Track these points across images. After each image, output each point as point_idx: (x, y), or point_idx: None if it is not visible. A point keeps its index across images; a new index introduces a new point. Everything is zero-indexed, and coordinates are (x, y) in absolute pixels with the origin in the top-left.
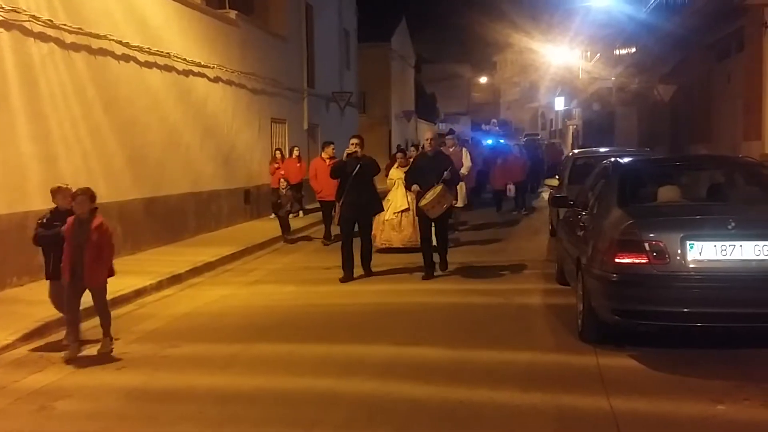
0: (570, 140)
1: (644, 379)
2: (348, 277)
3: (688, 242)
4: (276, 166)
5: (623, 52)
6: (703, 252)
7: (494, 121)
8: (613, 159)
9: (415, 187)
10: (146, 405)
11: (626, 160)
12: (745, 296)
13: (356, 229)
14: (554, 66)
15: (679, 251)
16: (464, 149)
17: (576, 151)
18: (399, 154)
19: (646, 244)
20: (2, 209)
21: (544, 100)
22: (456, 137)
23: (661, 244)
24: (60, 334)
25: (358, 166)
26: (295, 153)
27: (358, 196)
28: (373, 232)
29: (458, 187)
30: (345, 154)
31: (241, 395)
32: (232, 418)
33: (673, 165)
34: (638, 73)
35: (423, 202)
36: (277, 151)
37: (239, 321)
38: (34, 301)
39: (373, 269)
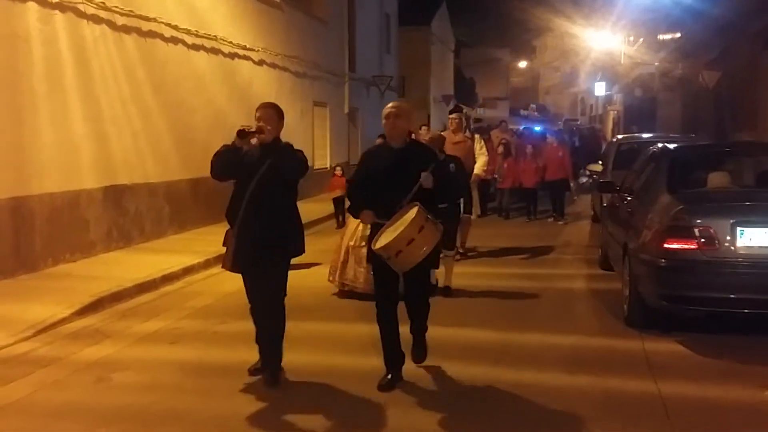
0: (610, 126)
1: (691, 365)
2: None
3: (738, 228)
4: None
5: (667, 37)
6: (754, 239)
7: (533, 106)
8: (661, 144)
9: (366, 214)
10: (200, 379)
11: (675, 145)
12: None
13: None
14: (595, 51)
15: (729, 237)
16: (476, 136)
17: (620, 136)
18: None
19: (696, 230)
20: (56, 187)
21: (584, 86)
22: (502, 125)
23: (710, 230)
24: (113, 309)
25: (266, 161)
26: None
27: (257, 220)
28: (330, 266)
29: (474, 191)
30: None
31: (289, 372)
32: (284, 394)
33: (723, 151)
34: (682, 58)
35: (380, 242)
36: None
37: (286, 300)
38: (87, 276)
39: None
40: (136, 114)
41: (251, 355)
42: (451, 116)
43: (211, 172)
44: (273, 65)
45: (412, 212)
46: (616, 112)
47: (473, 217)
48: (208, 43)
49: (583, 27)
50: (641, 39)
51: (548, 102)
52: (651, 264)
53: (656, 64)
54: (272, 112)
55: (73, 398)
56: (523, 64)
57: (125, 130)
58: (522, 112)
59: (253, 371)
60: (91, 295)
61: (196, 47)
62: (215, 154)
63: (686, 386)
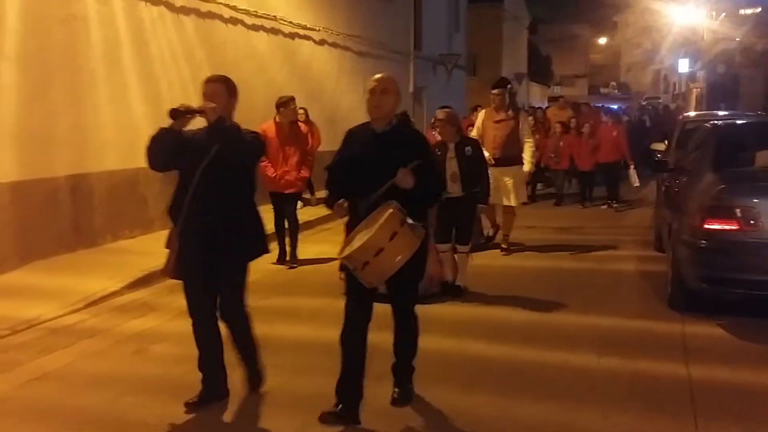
0: (693, 104)
1: (728, 348)
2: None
3: None
4: None
5: (749, 11)
6: None
7: (613, 84)
8: (712, 122)
9: (339, 207)
10: (232, 351)
11: (725, 123)
12: None
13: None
14: (677, 26)
15: None
16: (522, 115)
17: (688, 114)
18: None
19: (738, 210)
20: (116, 165)
21: (667, 62)
22: (560, 101)
23: (753, 210)
24: (163, 284)
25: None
26: None
27: (204, 218)
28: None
29: (516, 177)
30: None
31: (320, 346)
32: (309, 367)
33: None
34: (765, 34)
35: (346, 249)
36: None
37: (329, 278)
38: (143, 252)
39: None
40: (194, 94)
41: (287, 329)
42: (493, 92)
43: (147, 161)
44: (334, 45)
45: (385, 214)
46: (699, 89)
47: (512, 203)
48: (267, 24)
49: (665, 1)
50: (723, 14)
51: (630, 80)
52: (692, 245)
53: (737, 39)
54: (221, 88)
55: (110, 368)
56: (603, 40)
57: None
58: (602, 90)
59: (192, 405)
60: (143, 269)
61: (255, 27)
62: (150, 139)
63: (718, 370)
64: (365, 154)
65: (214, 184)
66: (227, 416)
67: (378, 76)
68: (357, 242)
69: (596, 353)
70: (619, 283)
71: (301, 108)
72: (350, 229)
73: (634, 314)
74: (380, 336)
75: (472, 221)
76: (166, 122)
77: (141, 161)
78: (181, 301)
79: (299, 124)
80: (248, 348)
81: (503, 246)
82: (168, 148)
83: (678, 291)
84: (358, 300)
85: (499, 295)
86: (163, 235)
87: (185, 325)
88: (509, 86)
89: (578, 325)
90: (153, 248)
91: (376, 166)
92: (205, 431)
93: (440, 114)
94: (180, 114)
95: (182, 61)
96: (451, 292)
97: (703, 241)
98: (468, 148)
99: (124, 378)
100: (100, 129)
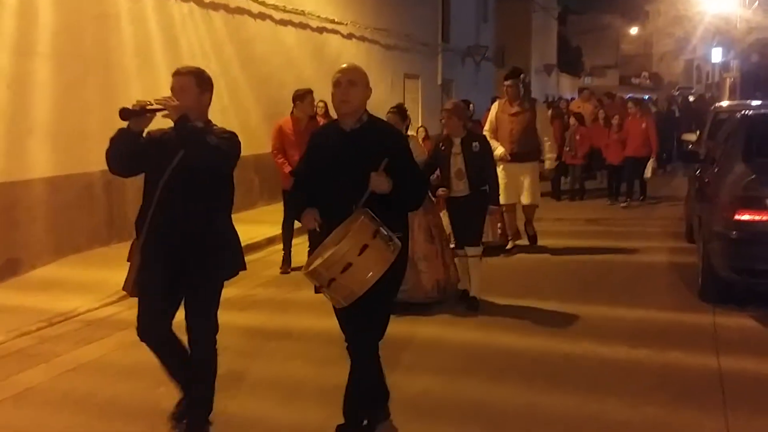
0: (727, 94)
1: (759, 340)
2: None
3: None
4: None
5: None
6: None
7: (645, 74)
8: (743, 112)
9: (308, 215)
10: (263, 342)
11: (756, 113)
12: None
13: None
14: (710, 15)
15: None
16: (538, 106)
17: (719, 104)
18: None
19: None
20: None
21: (700, 52)
22: (584, 93)
23: None
24: None
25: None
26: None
27: (169, 230)
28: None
29: (533, 174)
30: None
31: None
32: (334, 359)
33: None
34: None
35: (314, 263)
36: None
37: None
38: None
39: None
40: (224, 90)
41: (316, 321)
42: (505, 83)
43: (107, 165)
44: (362, 38)
45: (354, 225)
46: (732, 79)
47: (527, 202)
48: (296, 18)
49: None
50: (756, 1)
51: (662, 70)
52: (722, 236)
53: None
54: (190, 81)
55: (144, 359)
56: (634, 30)
57: (214, 105)
58: (633, 80)
59: (177, 415)
60: None
61: (284, 22)
62: (109, 140)
63: (749, 361)
64: (334, 156)
65: (180, 194)
66: (253, 406)
67: (344, 66)
68: (323, 256)
69: (626, 345)
70: (650, 275)
71: (320, 101)
72: (313, 241)
73: (664, 306)
74: (413, 327)
75: (481, 222)
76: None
77: None
78: None
79: (318, 118)
80: (202, 377)
81: (529, 233)
82: (127, 151)
83: (709, 282)
84: (351, 319)
85: (527, 286)
86: None
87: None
88: (522, 76)
89: (607, 317)
90: None
91: (347, 169)
92: (233, 421)
93: (448, 104)
94: (132, 114)
95: (212, 56)
96: (467, 306)
97: (734, 232)
98: (475, 144)
99: (157, 368)
100: None
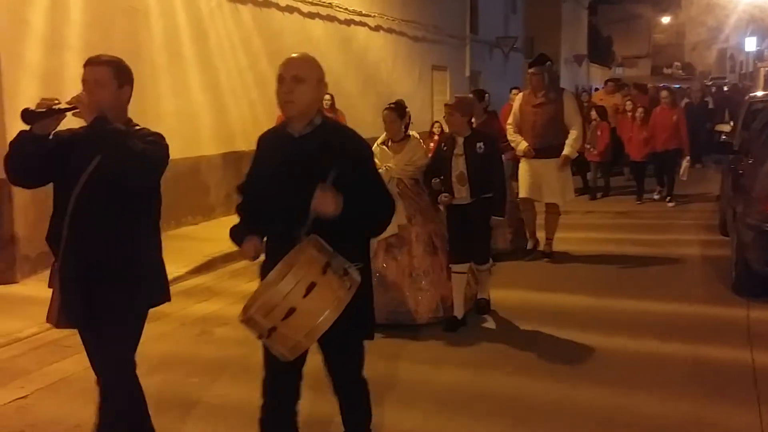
0: (761, 84)
1: None
2: None
3: None
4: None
5: None
6: None
7: (677, 64)
8: None
9: (249, 243)
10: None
11: None
12: None
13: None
14: (744, 3)
15: None
16: (566, 95)
17: (755, 94)
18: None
19: None
20: (178, 154)
21: (733, 41)
22: (608, 85)
23: None
24: (225, 269)
25: (96, 157)
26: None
27: (83, 251)
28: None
29: (562, 171)
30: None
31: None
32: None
33: None
34: None
35: (250, 309)
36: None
37: None
38: (206, 239)
39: None
40: (252, 83)
41: None
42: (530, 71)
43: (6, 174)
44: (390, 30)
45: (299, 258)
46: (766, 69)
47: (549, 200)
48: (323, 11)
49: None
50: None
51: (694, 59)
52: (756, 228)
53: None
54: (106, 73)
55: (176, 350)
56: (666, 19)
57: (242, 99)
58: (665, 70)
59: None
60: (205, 255)
61: (311, 15)
62: (9, 146)
63: None
64: (279, 168)
65: (94, 208)
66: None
67: (291, 56)
68: (260, 299)
69: (657, 338)
70: (682, 268)
71: (327, 93)
72: (264, 275)
73: (697, 299)
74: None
75: (487, 233)
76: (221, 111)
77: (201, 149)
78: (244, 286)
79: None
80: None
81: (545, 251)
82: (32, 158)
83: (743, 275)
84: (277, 371)
85: (557, 279)
86: (224, 222)
87: None
88: (548, 63)
89: (638, 310)
90: (214, 234)
91: (292, 184)
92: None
93: (453, 99)
94: (37, 116)
95: (240, 50)
96: (477, 309)
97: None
98: (480, 144)
99: (189, 359)
100: (161, 119)
